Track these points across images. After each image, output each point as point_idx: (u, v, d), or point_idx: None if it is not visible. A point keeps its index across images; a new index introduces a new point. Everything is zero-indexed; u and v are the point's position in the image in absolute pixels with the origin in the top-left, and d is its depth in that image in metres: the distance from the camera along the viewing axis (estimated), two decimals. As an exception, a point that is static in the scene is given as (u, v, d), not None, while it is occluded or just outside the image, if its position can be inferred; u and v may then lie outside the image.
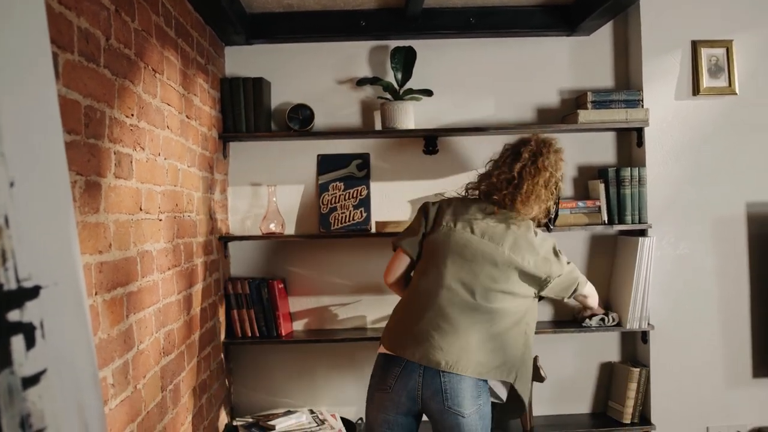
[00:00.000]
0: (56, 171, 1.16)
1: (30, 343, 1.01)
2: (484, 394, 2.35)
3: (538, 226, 2.64)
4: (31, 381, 1.00)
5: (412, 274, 2.57)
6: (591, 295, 2.75)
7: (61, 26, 1.50)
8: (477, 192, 2.62)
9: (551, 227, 2.71)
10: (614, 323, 3.24)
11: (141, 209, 2.05)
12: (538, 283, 2.46)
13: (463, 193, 2.67)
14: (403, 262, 2.58)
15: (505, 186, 2.49)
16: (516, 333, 2.42)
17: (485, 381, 2.36)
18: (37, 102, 1.12)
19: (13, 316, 0.98)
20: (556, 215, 2.94)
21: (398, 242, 2.59)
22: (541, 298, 2.57)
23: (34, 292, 1.04)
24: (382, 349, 2.44)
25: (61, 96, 1.49)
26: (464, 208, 2.51)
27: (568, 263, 2.55)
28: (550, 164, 2.51)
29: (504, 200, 2.50)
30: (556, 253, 2.50)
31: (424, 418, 2.45)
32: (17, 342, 0.98)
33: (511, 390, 2.46)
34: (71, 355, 1.14)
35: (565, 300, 2.66)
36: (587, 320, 3.23)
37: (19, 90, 1.06)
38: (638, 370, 3.27)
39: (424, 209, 2.59)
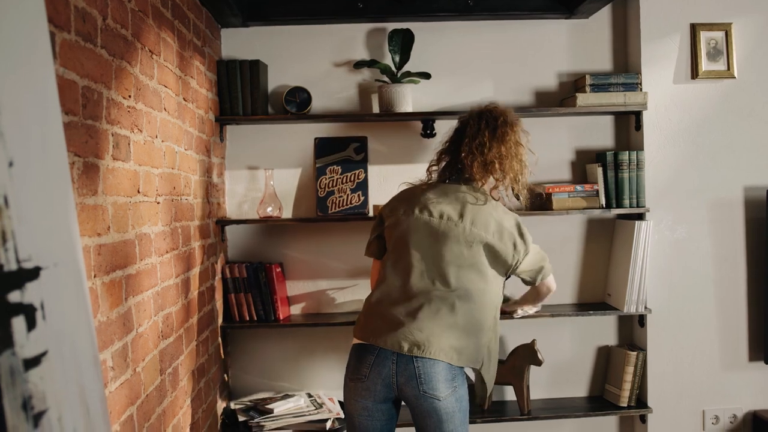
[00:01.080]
0: (55, 151, 1.15)
1: (31, 324, 1.00)
2: (459, 377, 2.33)
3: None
4: (32, 362, 0.99)
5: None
6: (551, 290, 2.72)
7: (57, 5, 1.48)
8: (437, 169, 2.59)
9: (522, 203, 2.66)
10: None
11: (139, 192, 2.03)
12: (504, 263, 2.42)
13: (425, 177, 2.63)
14: (377, 267, 2.63)
15: (465, 159, 2.46)
16: (487, 317, 2.40)
17: (460, 366, 2.35)
18: (35, 81, 1.11)
19: (14, 297, 0.97)
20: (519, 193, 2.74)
21: (367, 253, 2.65)
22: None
23: (34, 273, 1.03)
24: (354, 341, 2.43)
25: (59, 76, 1.47)
26: (420, 194, 2.47)
27: (534, 244, 2.52)
28: (510, 132, 2.48)
29: (465, 173, 2.48)
30: (520, 231, 2.45)
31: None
32: (18, 323, 0.97)
33: (477, 374, 2.46)
34: (72, 336, 1.13)
35: (536, 284, 2.63)
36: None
37: (18, 69, 1.05)
38: (635, 353, 3.28)
39: (379, 210, 2.61)
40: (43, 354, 1.03)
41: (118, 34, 1.87)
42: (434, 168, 2.60)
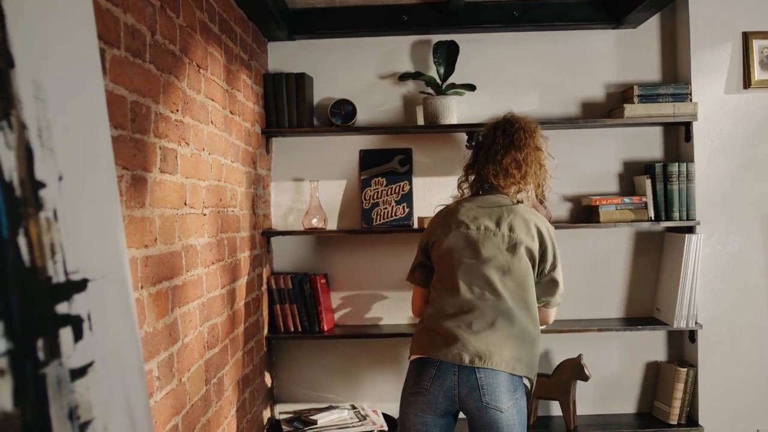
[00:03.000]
0: (103, 165, 1.17)
1: (78, 335, 1.02)
2: (519, 389, 2.31)
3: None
4: (78, 373, 1.01)
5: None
6: (547, 322, 2.61)
7: (108, 22, 1.51)
8: (467, 185, 2.59)
9: (546, 209, 2.62)
10: None
11: (186, 204, 2.06)
12: (534, 259, 2.38)
13: (457, 192, 2.63)
14: (419, 293, 2.62)
15: (483, 170, 2.48)
16: (537, 326, 2.39)
17: (520, 375, 2.33)
18: (84, 97, 1.13)
19: (62, 308, 0.99)
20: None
21: (409, 278, 2.64)
22: None
23: (81, 285, 1.05)
24: (413, 356, 2.42)
25: (108, 91, 1.50)
26: (455, 212, 2.47)
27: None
28: (526, 137, 2.47)
29: (488, 183, 2.48)
30: (551, 238, 2.43)
31: (461, 415, 2.43)
32: (65, 334, 0.99)
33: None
34: (118, 347, 1.15)
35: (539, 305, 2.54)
36: None
37: (68, 85, 1.07)
38: (685, 370, 3.20)
39: (421, 241, 2.58)
40: (90, 365, 1.05)
41: (166, 50, 1.91)
42: (464, 184, 2.61)
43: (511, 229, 2.37)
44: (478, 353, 2.26)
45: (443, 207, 2.60)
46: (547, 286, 2.47)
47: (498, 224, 2.38)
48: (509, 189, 2.48)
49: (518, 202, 2.46)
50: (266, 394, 3.23)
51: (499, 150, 2.47)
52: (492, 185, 2.49)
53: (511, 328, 2.31)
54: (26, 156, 0.94)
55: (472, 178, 2.58)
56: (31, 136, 0.95)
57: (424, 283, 2.58)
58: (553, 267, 2.44)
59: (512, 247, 2.35)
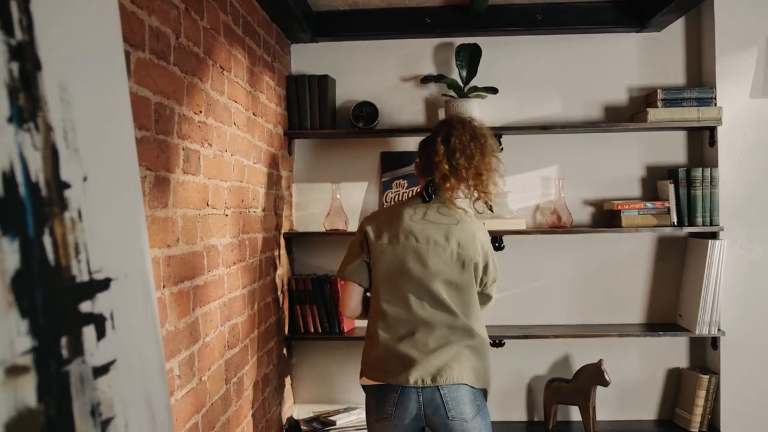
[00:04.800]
0: (127, 166, 1.19)
1: (101, 333, 1.04)
2: (479, 395, 2.33)
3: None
4: (101, 370, 1.03)
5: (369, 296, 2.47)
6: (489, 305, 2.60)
7: (133, 25, 1.53)
8: (418, 190, 2.51)
9: (492, 209, 2.52)
10: None
11: (208, 204, 2.08)
12: (477, 274, 2.37)
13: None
14: (355, 291, 2.45)
15: (438, 174, 2.37)
16: (485, 337, 2.38)
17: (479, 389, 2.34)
18: (109, 99, 1.15)
19: (85, 307, 1.00)
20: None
21: (343, 273, 2.45)
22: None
23: (105, 284, 1.07)
24: (365, 381, 2.37)
25: (133, 93, 1.52)
26: (400, 216, 2.38)
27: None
28: (471, 139, 2.38)
29: (441, 189, 2.39)
30: (492, 250, 2.43)
31: None
32: (88, 332, 1.01)
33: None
34: (140, 345, 1.17)
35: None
36: None
37: (93, 87, 1.09)
38: (707, 377, 3.17)
39: (362, 230, 2.43)
40: (112, 362, 1.06)
41: (190, 52, 1.93)
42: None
43: (459, 245, 2.33)
44: (438, 370, 2.26)
45: (392, 204, 2.50)
46: (485, 296, 2.48)
47: (447, 238, 2.33)
48: (448, 192, 2.39)
49: (462, 211, 2.41)
50: (285, 394, 3.25)
51: (452, 158, 2.37)
52: (436, 190, 2.42)
53: (465, 341, 2.32)
54: (52, 157, 0.95)
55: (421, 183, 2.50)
56: (56, 138, 0.97)
57: (363, 281, 2.44)
58: (494, 280, 2.44)
59: (462, 263, 2.33)
